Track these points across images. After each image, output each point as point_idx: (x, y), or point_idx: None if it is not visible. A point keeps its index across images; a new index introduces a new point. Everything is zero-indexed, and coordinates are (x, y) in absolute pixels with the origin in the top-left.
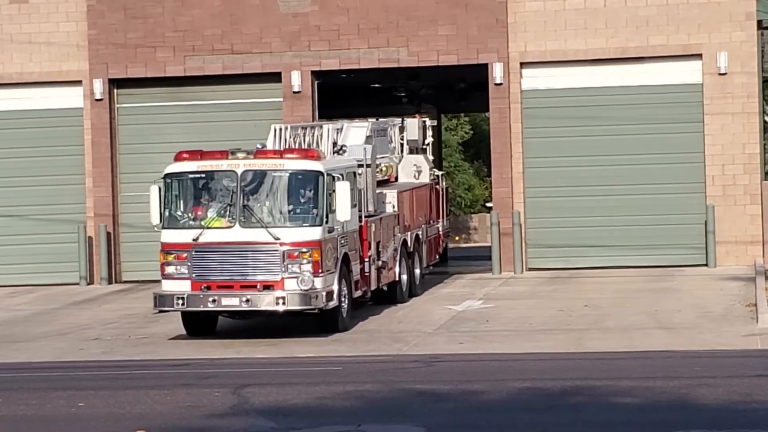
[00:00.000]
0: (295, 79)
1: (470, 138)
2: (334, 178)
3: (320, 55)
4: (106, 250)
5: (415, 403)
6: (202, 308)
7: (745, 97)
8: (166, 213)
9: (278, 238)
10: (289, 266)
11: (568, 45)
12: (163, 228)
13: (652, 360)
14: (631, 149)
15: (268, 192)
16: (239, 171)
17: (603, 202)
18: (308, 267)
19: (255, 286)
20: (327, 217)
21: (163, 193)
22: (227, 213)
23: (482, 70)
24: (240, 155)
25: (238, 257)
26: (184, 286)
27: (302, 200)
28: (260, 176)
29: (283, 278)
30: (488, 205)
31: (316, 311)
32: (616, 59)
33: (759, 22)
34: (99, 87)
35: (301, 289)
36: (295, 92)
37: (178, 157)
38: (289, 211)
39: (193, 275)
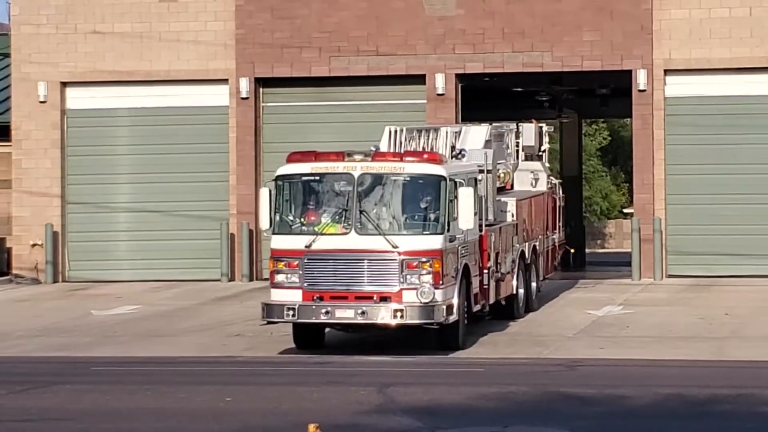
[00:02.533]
0: (439, 82)
1: (608, 144)
2: (456, 183)
3: (464, 58)
4: (248, 248)
5: (560, 406)
6: (314, 320)
7: None
8: (277, 217)
9: (396, 247)
10: (408, 277)
11: (713, 53)
12: (273, 233)
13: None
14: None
15: (387, 197)
16: (356, 174)
17: (744, 211)
18: (428, 278)
19: (371, 298)
20: (448, 225)
21: (274, 197)
22: (342, 219)
23: (625, 76)
24: (357, 157)
25: (353, 266)
26: (294, 296)
27: (423, 206)
28: (378, 180)
29: (401, 290)
30: (626, 211)
31: (435, 326)
32: (760, 68)
33: None
34: (245, 86)
35: (420, 302)
36: (438, 94)
37: (291, 159)
38: (409, 218)
39: (305, 284)
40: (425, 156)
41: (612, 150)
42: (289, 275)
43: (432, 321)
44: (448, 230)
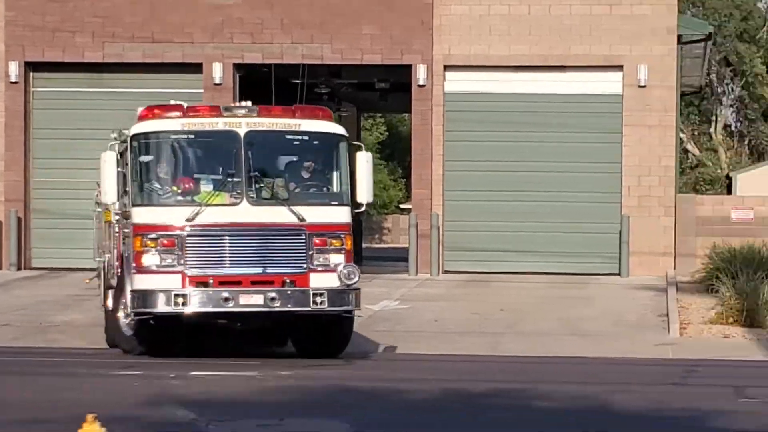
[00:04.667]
0: (217, 71)
1: (385, 138)
2: (353, 147)
3: (243, 48)
4: (16, 236)
5: (342, 399)
6: (212, 309)
7: (663, 110)
8: (135, 187)
9: (303, 220)
10: (316, 256)
11: (492, 50)
12: (135, 206)
13: (568, 365)
14: (551, 156)
15: (280, 160)
16: (242, 132)
17: (521, 208)
18: (340, 258)
19: (271, 282)
20: (352, 195)
21: (129, 161)
22: (229, 186)
23: (405, 71)
24: (239, 112)
25: (250, 244)
26: (171, 282)
27: (324, 173)
28: (269, 139)
29: (309, 271)
30: (402, 206)
31: (349, 315)
32: (538, 66)
33: (679, 37)
34: (15, 69)
35: (342, 285)
36: (216, 84)
37: (149, 114)
38: (311, 186)
39: (187, 267)
40: (319, 112)
41: (389, 144)
42: (162, 256)
43: (352, 308)
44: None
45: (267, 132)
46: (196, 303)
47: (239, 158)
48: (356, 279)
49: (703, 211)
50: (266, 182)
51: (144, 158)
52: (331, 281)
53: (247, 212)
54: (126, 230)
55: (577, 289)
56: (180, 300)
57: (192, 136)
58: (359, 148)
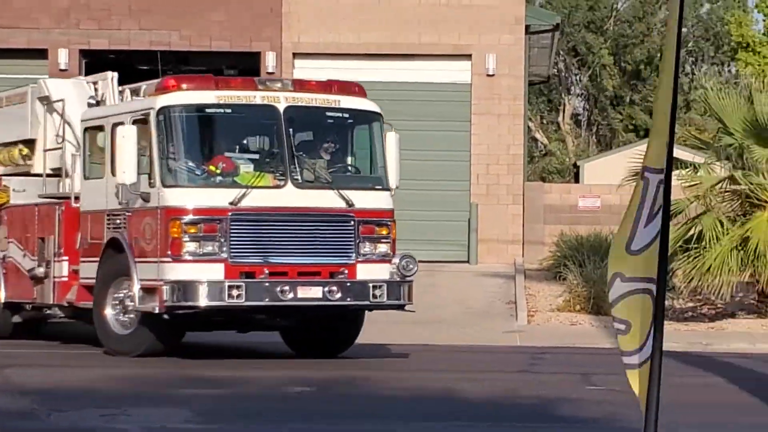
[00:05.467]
0: (62, 57)
1: None
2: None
3: (89, 34)
4: None
5: (186, 387)
6: (269, 303)
7: (511, 99)
8: (164, 166)
9: (352, 205)
10: (362, 245)
11: (342, 38)
12: (166, 186)
13: (415, 353)
14: (400, 144)
15: (320, 139)
16: (281, 107)
17: None
18: (385, 248)
19: (318, 273)
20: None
21: (153, 137)
22: (273, 167)
23: (254, 58)
24: (275, 85)
25: (296, 231)
26: (213, 272)
27: (364, 153)
28: (309, 116)
29: (356, 262)
30: None
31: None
32: (388, 55)
33: (527, 27)
34: None
35: (402, 276)
36: (61, 70)
37: (175, 84)
38: (353, 168)
39: (231, 256)
40: (355, 88)
41: None
42: (203, 243)
43: (406, 302)
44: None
45: (307, 108)
46: (251, 295)
47: (281, 136)
48: (414, 270)
49: (551, 200)
50: (310, 163)
51: (175, 134)
52: (379, 272)
53: (292, 196)
54: (143, 214)
55: (426, 277)
56: (234, 292)
57: (228, 111)
58: (388, 129)
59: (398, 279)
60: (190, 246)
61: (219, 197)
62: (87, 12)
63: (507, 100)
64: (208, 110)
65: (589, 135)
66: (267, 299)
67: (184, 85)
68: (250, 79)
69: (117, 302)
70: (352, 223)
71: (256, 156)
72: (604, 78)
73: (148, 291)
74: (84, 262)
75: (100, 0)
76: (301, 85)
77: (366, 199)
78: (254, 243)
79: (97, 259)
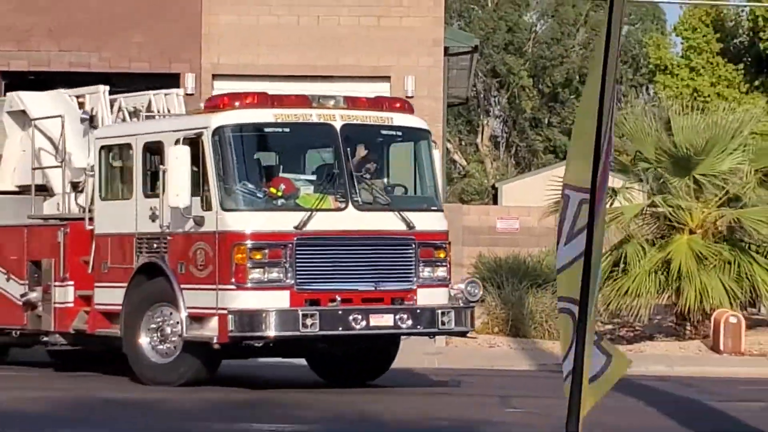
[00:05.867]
0: None
1: None
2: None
3: (9, 55)
4: None
5: (102, 409)
6: (341, 332)
7: (430, 120)
8: (221, 188)
9: (413, 227)
10: (422, 269)
11: (261, 59)
12: (226, 210)
13: None
14: None
15: (374, 158)
16: (338, 125)
17: None
18: (443, 272)
19: (380, 300)
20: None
21: (208, 157)
22: (333, 188)
23: (174, 79)
24: (329, 102)
25: (358, 255)
26: (277, 300)
27: (418, 172)
28: (364, 135)
29: (417, 287)
30: None
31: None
32: (307, 76)
33: (446, 49)
34: None
35: (465, 302)
36: None
37: (230, 103)
38: (408, 188)
39: (297, 283)
40: (405, 105)
41: None
42: (269, 270)
43: (470, 329)
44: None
45: (362, 126)
46: (324, 324)
47: (339, 155)
48: (479, 296)
49: (470, 221)
50: (369, 184)
51: (233, 154)
52: (439, 298)
53: (354, 219)
54: (193, 238)
55: None
56: (309, 321)
57: (286, 130)
58: (435, 146)
59: (462, 305)
60: (255, 273)
61: (282, 221)
62: (6, 33)
63: (426, 122)
64: (266, 129)
65: (508, 157)
66: (340, 328)
67: (237, 103)
68: (303, 96)
69: (154, 330)
70: (413, 246)
71: (313, 177)
72: (522, 100)
73: (197, 319)
74: (101, 287)
75: (21, 21)
76: (353, 102)
77: (424, 221)
78: (319, 269)
79: (122, 284)
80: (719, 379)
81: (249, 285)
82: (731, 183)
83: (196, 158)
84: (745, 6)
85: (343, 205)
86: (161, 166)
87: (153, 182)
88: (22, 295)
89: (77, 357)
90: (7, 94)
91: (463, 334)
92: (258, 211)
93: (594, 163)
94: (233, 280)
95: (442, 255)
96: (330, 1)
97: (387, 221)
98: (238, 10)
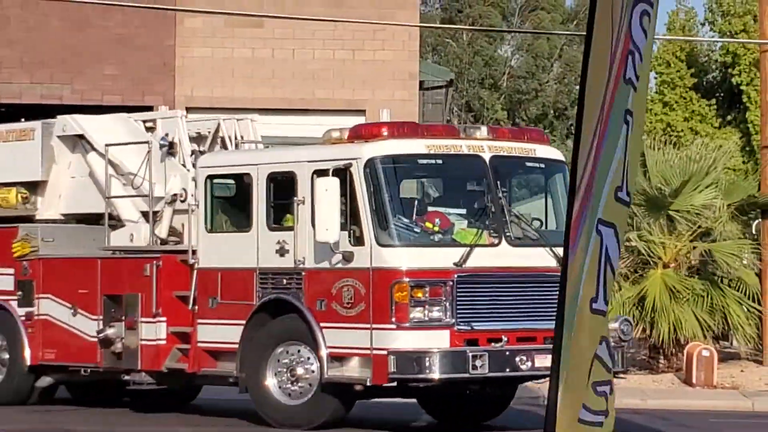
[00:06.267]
0: None
1: None
2: None
3: None
4: None
5: None
6: (508, 373)
7: None
8: (375, 221)
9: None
10: None
11: (235, 92)
12: (382, 245)
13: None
14: None
15: (519, 191)
16: (487, 157)
17: None
18: None
19: (533, 339)
20: None
21: (361, 191)
22: (485, 223)
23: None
24: (477, 133)
25: (512, 293)
26: (436, 340)
27: (555, 205)
28: (511, 167)
29: None
30: None
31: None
32: (281, 110)
33: (421, 83)
34: None
35: (620, 340)
36: None
37: (379, 132)
38: (551, 222)
39: (457, 322)
40: (544, 136)
41: None
42: (429, 308)
43: (623, 369)
44: None
45: (509, 158)
46: (493, 366)
47: (490, 188)
48: (632, 335)
49: None
50: (519, 218)
51: (386, 187)
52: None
53: (508, 255)
54: (339, 274)
55: None
56: (478, 363)
57: (439, 161)
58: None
59: (614, 344)
60: (416, 312)
61: (441, 257)
62: None
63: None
64: (420, 161)
65: None
66: (507, 369)
67: (384, 131)
68: (451, 126)
69: (283, 370)
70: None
71: (463, 210)
72: None
73: (338, 359)
74: (206, 324)
75: None
76: (498, 133)
77: None
78: (478, 307)
79: (237, 321)
80: (692, 412)
81: (409, 324)
82: (703, 218)
83: (342, 190)
84: (718, 41)
85: (496, 241)
86: (296, 198)
87: (279, 214)
88: (99, 332)
89: (151, 395)
90: (59, 117)
91: (616, 374)
92: (415, 246)
93: (568, 205)
94: (393, 319)
95: None
96: (305, 35)
97: (538, 257)
98: (212, 43)
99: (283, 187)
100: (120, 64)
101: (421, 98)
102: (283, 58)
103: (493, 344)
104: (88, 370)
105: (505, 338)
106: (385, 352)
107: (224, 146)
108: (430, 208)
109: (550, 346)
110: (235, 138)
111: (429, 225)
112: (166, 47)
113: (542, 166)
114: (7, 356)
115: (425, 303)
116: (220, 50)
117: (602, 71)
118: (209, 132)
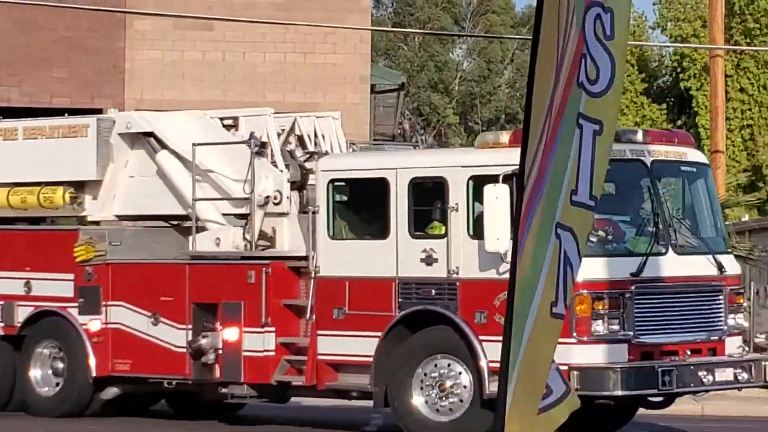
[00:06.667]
0: None
1: None
2: None
3: None
4: None
5: None
6: (693, 388)
7: None
8: None
9: (724, 272)
10: (729, 317)
11: (185, 95)
12: None
13: None
14: None
15: (676, 196)
16: (648, 161)
17: None
18: (741, 318)
19: (700, 351)
20: None
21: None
22: (652, 232)
23: (96, 114)
24: (637, 137)
25: (681, 304)
26: (614, 354)
27: (708, 211)
28: (670, 172)
29: (725, 337)
30: None
31: None
32: None
33: (372, 86)
34: None
35: None
36: None
37: None
38: (708, 228)
39: (635, 335)
40: (690, 139)
41: None
42: (609, 321)
43: None
44: None
45: (668, 162)
46: (680, 382)
47: (656, 194)
48: None
49: None
50: (682, 224)
51: None
52: (736, 347)
53: (676, 264)
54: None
55: None
56: (667, 378)
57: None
58: None
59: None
60: (597, 325)
61: (617, 268)
62: None
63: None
64: None
65: None
66: (692, 384)
67: None
68: None
69: (430, 385)
70: (724, 292)
71: (628, 217)
72: (450, 137)
73: (495, 373)
74: (330, 336)
75: None
76: (653, 137)
77: (727, 264)
78: (653, 319)
79: (370, 333)
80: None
81: (590, 338)
82: None
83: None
84: (669, 46)
85: (663, 249)
86: (450, 205)
87: (422, 221)
88: (191, 342)
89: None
90: (119, 113)
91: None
92: (592, 256)
93: (516, 211)
94: (574, 333)
95: (741, 301)
96: (255, 38)
97: (701, 266)
98: (162, 46)
99: (428, 192)
100: (69, 67)
101: (373, 102)
102: (234, 61)
103: (672, 358)
104: (173, 383)
105: (688, 352)
106: (566, 368)
107: (302, 144)
108: (596, 216)
109: (723, 358)
110: (315, 136)
111: (602, 234)
112: (115, 50)
113: (694, 170)
114: (61, 366)
115: (605, 316)
116: (170, 53)
117: (548, 75)
118: (283, 129)
